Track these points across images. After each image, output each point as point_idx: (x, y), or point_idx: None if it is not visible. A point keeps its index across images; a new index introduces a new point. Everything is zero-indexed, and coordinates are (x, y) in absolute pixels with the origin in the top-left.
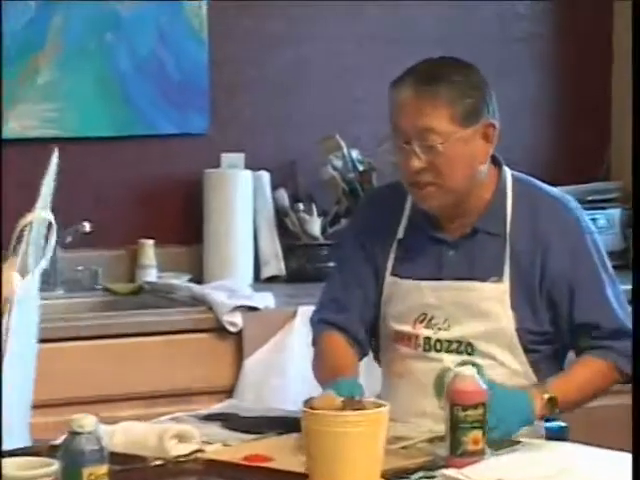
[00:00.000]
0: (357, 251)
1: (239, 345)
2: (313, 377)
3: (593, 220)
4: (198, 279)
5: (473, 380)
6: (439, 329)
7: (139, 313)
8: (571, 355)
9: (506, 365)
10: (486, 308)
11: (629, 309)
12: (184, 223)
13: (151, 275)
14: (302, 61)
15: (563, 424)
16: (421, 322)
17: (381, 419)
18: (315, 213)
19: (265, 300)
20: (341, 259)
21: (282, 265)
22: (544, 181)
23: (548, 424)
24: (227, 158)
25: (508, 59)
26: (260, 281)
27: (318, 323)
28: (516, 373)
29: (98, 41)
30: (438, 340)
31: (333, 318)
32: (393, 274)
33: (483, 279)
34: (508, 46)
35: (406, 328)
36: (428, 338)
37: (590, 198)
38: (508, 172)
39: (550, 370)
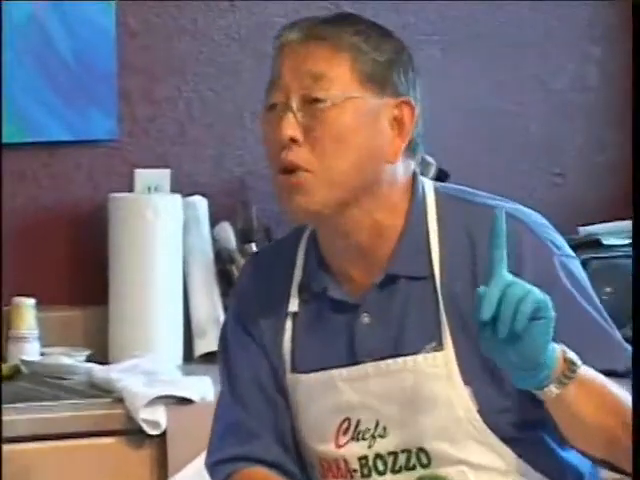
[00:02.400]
0: (245, 346)
1: (162, 454)
2: None
3: None
4: (101, 357)
5: None
6: (373, 438)
7: (12, 408)
8: None
9: (484, 466)
10: (430, 392)
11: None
12: (79, 274)
13: (31, 351)
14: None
15: None
16: (345, 433)
17: None
18: None
19: (200, 388)
20: (228, 364)
21: None
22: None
23: None
24: (144, 176)
25: None
26: (193, 360)
27: (218, 465)
28: (503, 473)
29: None
30: (378, 456)
31: (240, 451)
32: (293, 369)
33: (416, 350)
34: None
35: (328, 448)
36: (363, 458)
37: None
38: (427, 183)
39: (549, 466)
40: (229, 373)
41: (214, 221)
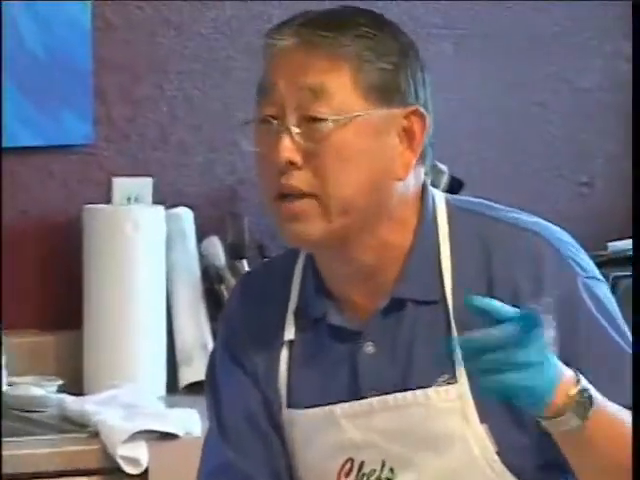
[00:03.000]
0: (235, 377)
1: None
2: None
3: None
4: (75, 387)
5: None
6: None
7: None
8: None
9: None
10: (443, 429)
11: None
12: (50, 294)
13: None
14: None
15: None
16: (347, 475)
17: None
18: None
19: (185, 422)
20: (216, 397)
21: None
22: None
23: None
24: (123, 185)
25: None
26: (178, 390)
27: None
28: None
29: None
30: None
31: None
32: (289, 404)
33: (427, 383)
34: None
35: None
36: None
37: None
38: (438, 195)
39: None
40: (217, 407)
41: (201, 235)
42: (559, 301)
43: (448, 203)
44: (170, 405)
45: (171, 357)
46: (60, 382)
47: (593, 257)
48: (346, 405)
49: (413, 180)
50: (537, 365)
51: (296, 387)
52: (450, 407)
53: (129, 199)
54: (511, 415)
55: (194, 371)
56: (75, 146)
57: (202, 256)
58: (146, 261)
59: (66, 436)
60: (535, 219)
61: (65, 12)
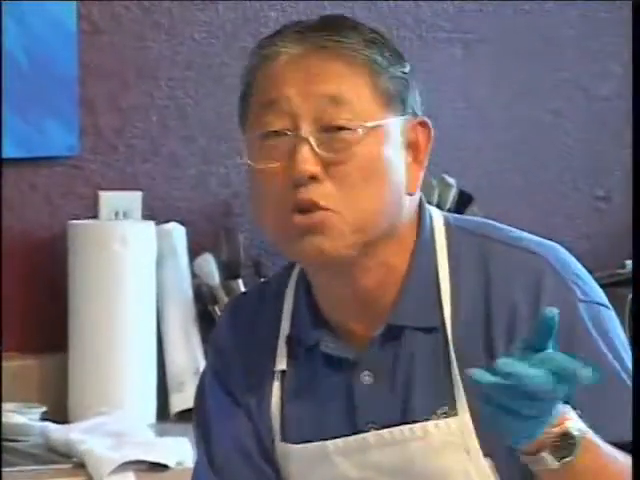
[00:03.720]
0: (225, 407)
1: None
2: None
3: None
4: (59, 414)
5: None
6: None
7: None
8: None
9: None
10: (443, 466)
11: None
12: (33, 315)
13: None
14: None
15: None
16: None
17: None
18: None
19: (176, 451)
20: (205, 429)
21: None
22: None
23: None
24: (110, 200)
25: None
26: (169, 418)
27: None
28: None
29: None
30: None
31: None
32: (283, 438)
33: (426, 416)
34: None
35: None
36: None
37: None
38: (435, 213)
39: None
40: (207, 438)
41: (193, 253)
42: (561, 328)
43: (447, 221)
44: (160, 434)
45: (161, 382)
46: (43, 409)
47: (611, 276)
48: (340, 441)
49: (419, 192)
50: (545, 420)
51: (289, 420)
52: (451, 441)
53: (117, 214)
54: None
55: (186, 397)
56: (60, 158)
57: (195, 275)
58: (135, 280)
59: (50, 467)
60: (540, 240)
61: (48, 13)
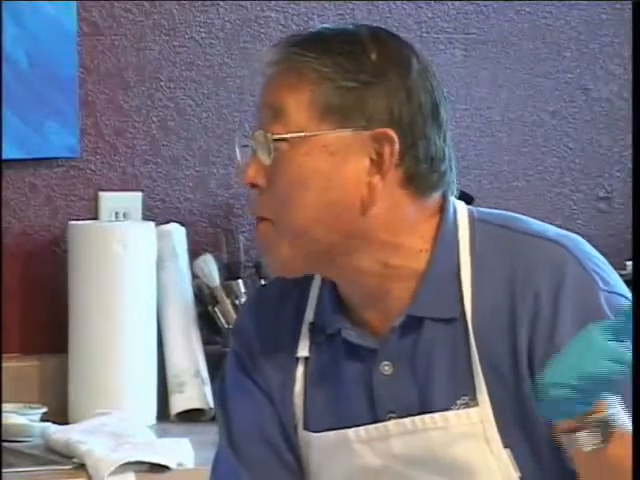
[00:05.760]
0: (248, 394)
1: None
2: None
3: None
4: (59, 415)
5: None
6: None
7: None
8: None
9: None
10: (463, 455)
11: None
12: (33, 317)
13: None
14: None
15: None
16: None
17: None
18: None
19: (177, 452)
20: (227, 415)
21: (207, 391)
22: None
23: None
24: (110, 201)
25: None
26: (169, 419)
27: None
28: None
29: None
30: None
31: None
32: (305, 426)
33: (446, 405)
34: None
35: None
36: None
37: None
38: (460, 207)
39: None
40: (228, 426)
41: (194, 254)
42: (578, 313)
43: (470, 214)
44: (161, 434)
45: (162, 383)
46: (44, 410)
47: None
48: (361, 429)
49: (398, 203)
50: (590, 401)
51: (311, 408)
52: (471, 431)
53: (117, 215)
54: (534, 439)
55: (186, 398)
56: (60, 159)
57: (195, 276)
58: (135, 281)
59: (50, 468)
60: (562, 231)
61: (48, 14)
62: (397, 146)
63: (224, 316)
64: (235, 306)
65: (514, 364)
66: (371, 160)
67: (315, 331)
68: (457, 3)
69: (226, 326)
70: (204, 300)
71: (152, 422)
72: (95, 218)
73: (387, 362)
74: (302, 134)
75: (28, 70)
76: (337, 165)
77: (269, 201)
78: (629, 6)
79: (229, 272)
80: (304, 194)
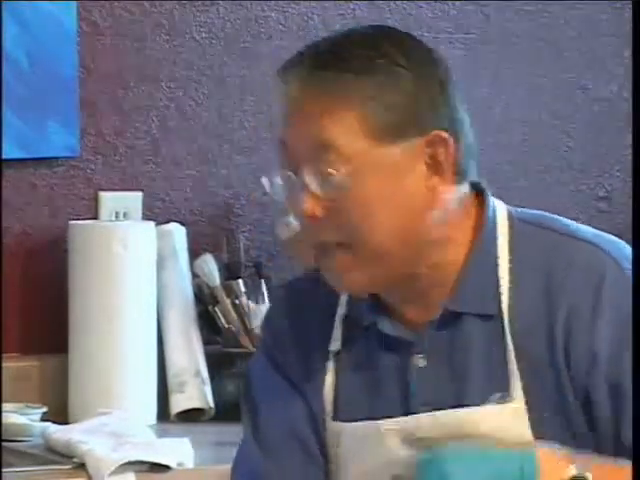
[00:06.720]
0: (278, 387)
1: None
2: None
3: None
4: (59, 415)
5: None
6: None
7: None
8: None
9: None
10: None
11: None
12: (34, 316)
13: None
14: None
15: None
16: None
17: None
18: (267, 297)
19: (177, 452)
20: (254, 409)
21: (207, 391)
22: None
23: None
24: (110, 200)
25: None
26: (169, 419)
27: None
28: None
29: None
30: None
31: None
32: (335, 417)
33: (480, 400)
34: None
35: None
36: None
37: None
38: (500, 206)
39: None
40: (255, 423)
41: (194, 254)
42: (618, 317)
43: (510, 214)
44: (161, 434)
45: (162, 383)
46: (44, 409)
47: None
48: (393, 421)
49: (456, 200)
50: None
51: (343, 400)
52: (504, 427)
53: (117, 215)
54: (567, 433)
55: (187, 398)
56: (60, 159)
57: (195, 276)
58: (135, 281)
59: (50, 468)
60: (600, 233)
61: (48, 13)
62: (451, 144)
63: (224, 316)
64: (235, 306)
65: (551, 362)
66: (426, 164)
67: (348, 324)
68: (457, 3)
69: (226, 326)
70: (204, 300)
71: (152, 422)
72: (95, 218)
73: (422, 355)
74: (358, 161)
75: (28, 70)
76: (398, 179)
77: (337, 226)
78: (629, 6)
79: (229, 272)
80: (377, 217)
